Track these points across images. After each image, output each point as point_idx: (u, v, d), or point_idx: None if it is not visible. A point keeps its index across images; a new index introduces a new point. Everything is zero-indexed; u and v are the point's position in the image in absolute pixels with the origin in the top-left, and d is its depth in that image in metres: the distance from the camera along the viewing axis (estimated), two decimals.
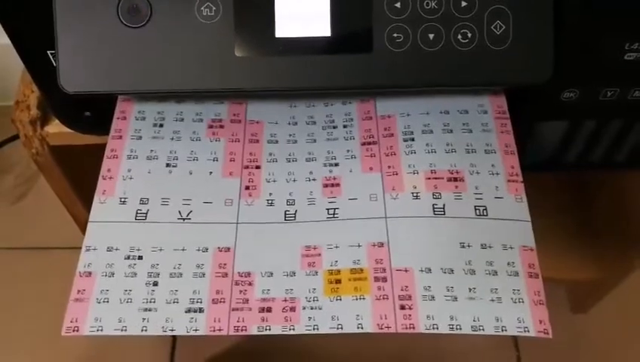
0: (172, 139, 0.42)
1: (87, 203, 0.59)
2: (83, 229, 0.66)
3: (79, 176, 0.56)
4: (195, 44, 0.38)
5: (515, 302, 0.35)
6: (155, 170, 0.41)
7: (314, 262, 0.37)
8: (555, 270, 0.76)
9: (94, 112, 0.46)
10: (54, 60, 0.40)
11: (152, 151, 0.41)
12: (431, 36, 0.38)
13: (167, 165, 0.41)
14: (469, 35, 0.37)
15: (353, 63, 0.38)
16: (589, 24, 0.39)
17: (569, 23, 0.38)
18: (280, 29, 0.38)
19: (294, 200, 0.39)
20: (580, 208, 0.79)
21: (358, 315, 0.35)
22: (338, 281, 0.36)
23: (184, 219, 0.39)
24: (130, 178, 0.40)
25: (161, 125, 0.43)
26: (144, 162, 0.41)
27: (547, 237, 0.74)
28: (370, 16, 0.37)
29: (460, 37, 0.38)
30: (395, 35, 0.38)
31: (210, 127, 0.43)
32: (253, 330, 0.35)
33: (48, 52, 0.40)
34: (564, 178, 0.81)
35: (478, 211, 0.37)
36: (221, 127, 0.43)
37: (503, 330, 0.34)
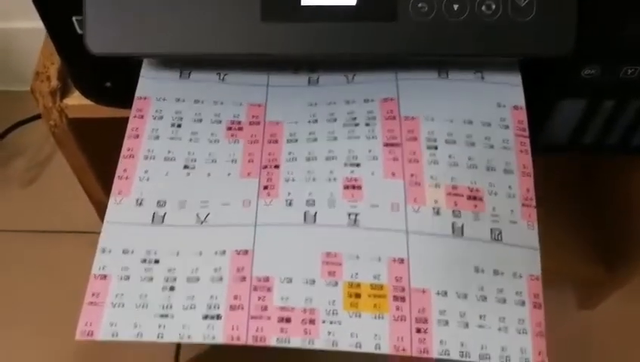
0: (190, 140, 0.41)
1: (104, 179, 0.60)
2: (97, 208, 0.67)
3: (97, 150, 0.56)
4: (221, 9, 0.38)
5: (519, 333, 0.35)
6: (172, 171, 0.40)
7: (334, 272, 0.36)
8: (562, 266, 0.75)
9: (115, 83, 0.46)
10: (79, 26, 0.41)
11: (169, 152, 0.41)
12: (455, 6, 0.38)
13: (185, 167, 0.40)
14: (494, 6, 0.38)
15: (377, 32, 0.38)
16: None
17: None
18: None
19: (314, 200, 0.39)
20: (590, 203, 0.78)
21: (376, 335, 0.35)
22: (358, 296, 0.36)
23: (202, 222, 0.38)
24: (147, 179, 0.40)
25: (179, 125, 0.42)
26: (162, 163, 0.40)
27: (555, 232, 0.74)
28: None
29: (484, 8, 0.38)
30: (419, 4, 0.38)
31: (229, 128, 0.42)
32: (273, 341, 0.34)
33: (73, 18, 0.41)
34: (573, 171, 0.81)
35: (493, 235, 0.38)
36: (240, 129, 0.42)
37: (507, 360, 0.35)
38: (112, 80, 0.46)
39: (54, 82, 0.50)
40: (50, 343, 0.78)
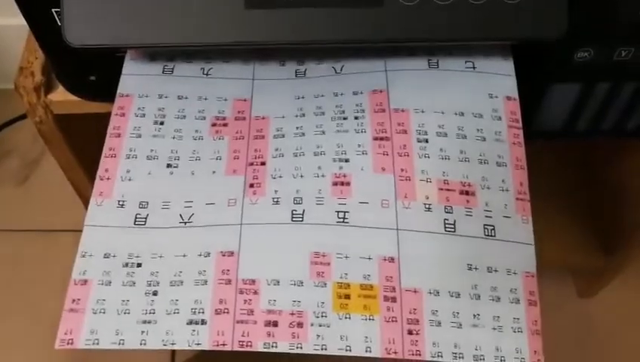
0: (173, 138, 0.40)
1: (92, 176, 0.59)
2: (86, 205, 0.66)
3: (84, 146, 0.55)
4: None
5: (515, 332, 0.35)
6: (155, 170, 0.39)
7: (323, 272, 0.35)
8: (560, 254, 0.75)
9: (99, 76, 0.45)
10: (59, 18, 0.40)
11: (152, 150, 0.40)
12: None
13: (169, 166, 0.39)
14: None
15: (364, 17, 0.37)
16: None
17: None
18: None
19: (302, 198, 0.38)
20: (587, 190, 0.78)
21: (366, 337, 0.34)
22: (347, 296, 0.35)
23: (185, 223, 0.37)
24: (129, 179, 0.38)
25: (162, 123, 0.41)
26: (144, 162, 0.39)
27: (552, 220, 0.74)
28: None
29: None
30: None
31: (214, 125, 0.41)
32: (259, 346, 0.33)
33: (53, 10, 0.40)
34: (570, 160, 0.80)
35: (486, 231, 0.37)
36: (225, 125, 0.41)
37: (502, 360, 0.34)
38: (97, 73, 0.45)
39: (38, 77, 0.49)
40: (43, 344, 0.78)
